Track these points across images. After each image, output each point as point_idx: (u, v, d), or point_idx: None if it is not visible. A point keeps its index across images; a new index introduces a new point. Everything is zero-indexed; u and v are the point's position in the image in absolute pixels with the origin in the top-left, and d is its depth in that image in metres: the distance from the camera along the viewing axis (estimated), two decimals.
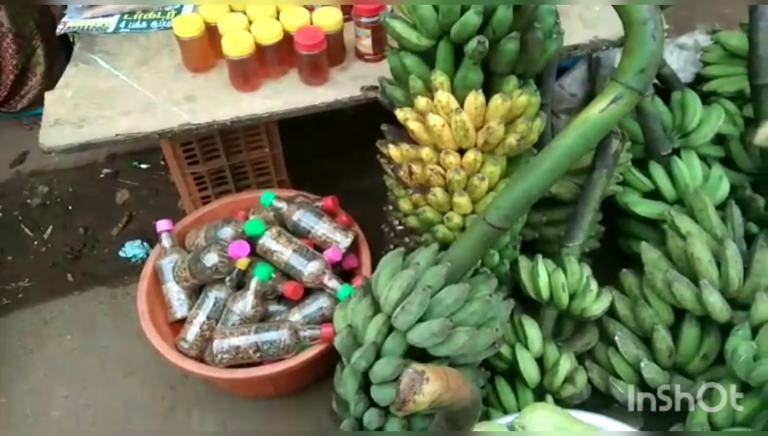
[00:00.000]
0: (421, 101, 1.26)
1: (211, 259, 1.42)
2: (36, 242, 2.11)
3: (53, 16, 2.10)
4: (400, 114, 1.30)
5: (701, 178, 1.60)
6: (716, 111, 1.63)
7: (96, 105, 1.46)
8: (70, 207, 2.21)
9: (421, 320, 1.15)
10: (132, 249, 2.03)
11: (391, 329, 1.21)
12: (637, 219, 1.65)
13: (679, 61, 1.99)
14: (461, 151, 1.30)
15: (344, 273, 1.56)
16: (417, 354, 1.20)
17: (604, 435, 1.13)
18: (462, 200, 1.30)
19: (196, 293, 1.53)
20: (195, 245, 1.56)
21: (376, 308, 1.23)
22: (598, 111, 1.04)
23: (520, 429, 1.14)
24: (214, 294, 1.47)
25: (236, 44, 1.42)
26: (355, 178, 1.92)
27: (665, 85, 1.82)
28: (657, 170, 1.61)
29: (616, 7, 1.00)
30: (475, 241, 1.18)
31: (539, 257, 1.45)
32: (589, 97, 2.09)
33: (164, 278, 1.53)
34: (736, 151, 1.70)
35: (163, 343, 1.41)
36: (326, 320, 1.43)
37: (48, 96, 1.47)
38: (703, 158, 1.67)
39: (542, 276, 1.42)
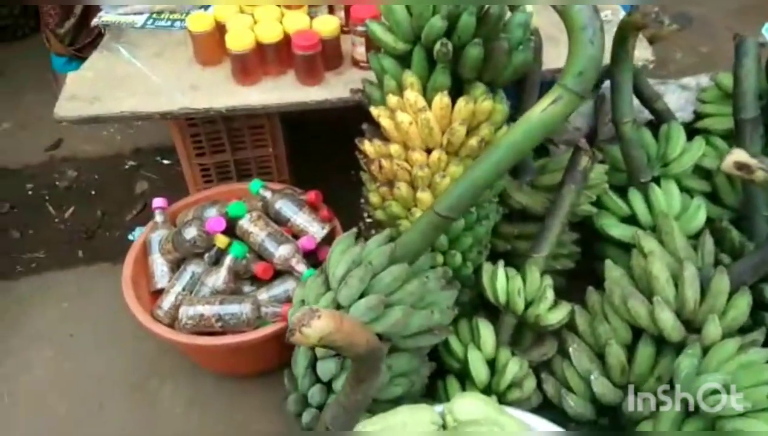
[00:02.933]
0: (392, 99, 1.35)
1: (190, 233, 1.53)
2: (57, 220, 2.28)
3: None
4: (375, 111, 1.40)
5: (679, 206, 1.62)
6: (698, 143, 1.66)
7: (110, 86, 1.62)
8: (93, 192, 2.39)
9: (363, 297, 1.21)
10: (141, 233, 2.17)
11: (340, 306, 1.27)
12: (613, 243, 1.67)
13: (680, 100, 2.03)
14: (429, 152, 1.38)
15: (319, 263, 1.63)
16: None
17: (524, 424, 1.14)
18: (424, 196, 1.37)
19: (178, 266, 1.63)
20: (182, 222, 1.67)
21: (329, 286, 1.30)
22: (540, 111, 1.10)
23: (448, 413, 1.17)
24: (191, 268, 1.57)
25: (239, 40, 1.55)
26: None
27: (659, 120, 1.85)
28: (635, 196, 1.64)
29: (560, 13, 1.07)
30: (423, 228, 1.24)
31: (501, 262, 1.49)
32: (593, 132, 2.14)
33: (151, 249, 1.65)
34: (721, 186, 1.71)
35: (138, 306, 1.51)
36: (290, 301, 1.50)
37: (70, 76, 1.64)
38: (688, 191, 1.69)
39: (500, 280, 1.45)
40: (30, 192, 2.37)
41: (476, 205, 1.47)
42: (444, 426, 1.14)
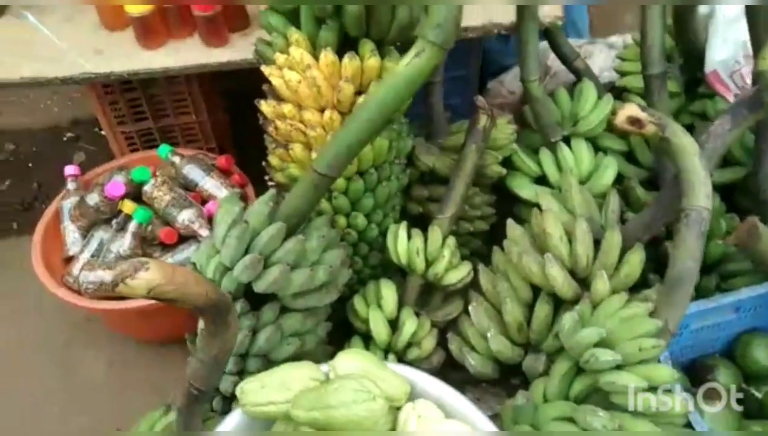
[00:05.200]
0: (280, 57, 1.34)
1: (93, 198, 1.53)
2: None
3: None
4: (266, 70, 1.38)
5: (589, 165, 1.61)
6: (606, 100, 1.65)
7: (12, 53, 1.61)
8: (30, 164, 2.38)
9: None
10: None
11: (226, 267, 1.27)
12: (527, 205, 1.67)
13: (607, 60, 2.01)
14: (323, 112, 1.37)
15: None
16: (257, 295, 1.26)
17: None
18: None
19: (89, 232, 1.64)
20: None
21: (216, 249, 1.30)
22: (404, 65, 1.09)
23: (331, 369, 1.18)
24: (99, 235, 1.57)
25: (136, 2, 1.53)
26: None
27: (578, 79, 1.83)
28: (545, 156, 1.63)
29: None
30: (304, 188, 1.23)
31: (404, 223, 1.49)
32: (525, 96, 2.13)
33: (63, 217, 1.65)
34: (635, 145, 1.70)
35: (45, 271, 1.52)
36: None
37: None
38: (605, 150, 1.68)
39: (401, 240, 1.46)
40: None
41: (376, 167, 1.46)
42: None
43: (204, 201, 1.61)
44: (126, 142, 1.96)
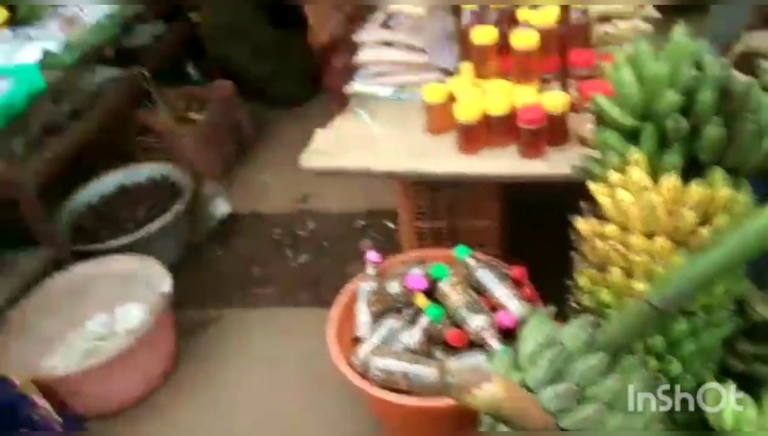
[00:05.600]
0: (614, 176, 1.26)
1: (393, 287, 1.58)
2: (292, 264, 2.55)
3: None
4: (594, 187, 1.31)
5: None
6: None
7: (348, 145, 1.80)
8: (325, 243, 2.63)
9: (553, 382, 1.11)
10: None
11: (528, 388, 1.18)
12: None
13: None
14: (650, 238, 1.24)
15: None
16: None
17: None
18: (641, 287, 1.22)
19: (379, 318, 1.69)
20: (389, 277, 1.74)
21: (518, 365, 1.22)
22: None
23: None
24: (390, 323, 1.61)
25: (467, 111, 1.61)
26: None
27: None
28: None
29: None
30: (629, 319, 1.10)
31: (732, 384, 1.25)
32: None
33: (359, 298, 1.73)
34: None
35: (336, 346, 1.59)
36: None
37: (318, 131, 1.86)
38: None
39: (729, 404, 1.21)
40: (275, 236, 2.70)
41: (705, 309, 1.27)
42: None
43: (492, 309, 1.56)
44: (416, 237, 2.04)
